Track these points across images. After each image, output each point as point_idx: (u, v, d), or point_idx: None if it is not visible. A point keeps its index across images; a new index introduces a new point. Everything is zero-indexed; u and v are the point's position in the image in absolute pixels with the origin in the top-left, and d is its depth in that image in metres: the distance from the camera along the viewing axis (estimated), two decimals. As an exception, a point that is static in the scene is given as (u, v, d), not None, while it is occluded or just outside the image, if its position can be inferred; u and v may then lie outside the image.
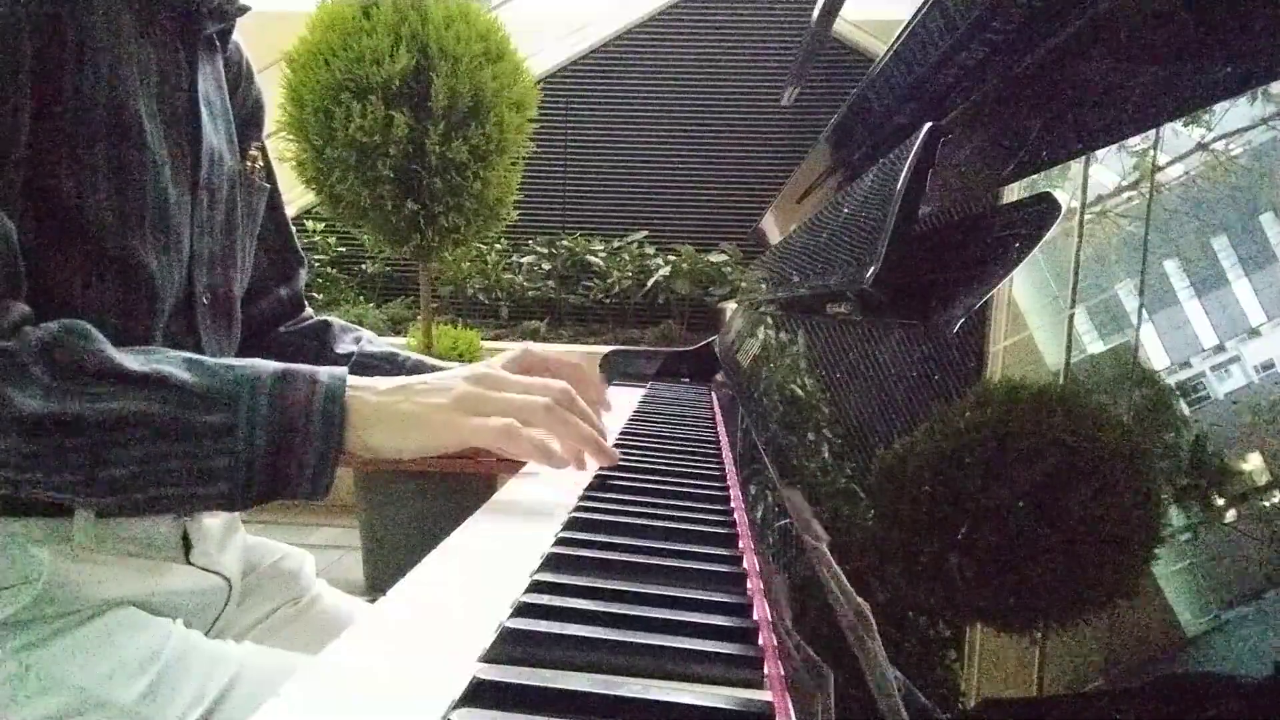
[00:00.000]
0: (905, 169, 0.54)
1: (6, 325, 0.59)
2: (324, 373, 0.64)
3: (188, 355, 0.63)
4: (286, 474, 0.61)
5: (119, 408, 0.58)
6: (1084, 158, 0.38)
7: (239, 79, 0.91)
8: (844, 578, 0.36)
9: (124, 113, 0.67)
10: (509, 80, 2.37)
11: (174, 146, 0.74)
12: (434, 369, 0.99)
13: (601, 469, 0.72)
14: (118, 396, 0.59)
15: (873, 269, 0.51)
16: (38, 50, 0.62)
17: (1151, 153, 0.32)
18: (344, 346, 1.01)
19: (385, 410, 0.64)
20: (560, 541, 0.55)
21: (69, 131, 0.64)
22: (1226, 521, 0.23)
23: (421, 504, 2.38)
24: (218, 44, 0.83)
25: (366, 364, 0.99)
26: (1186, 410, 0.25)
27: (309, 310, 1.06)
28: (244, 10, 0.84)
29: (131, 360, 0.61)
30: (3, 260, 0.61)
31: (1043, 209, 0.41)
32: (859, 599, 0.34)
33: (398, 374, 0.98)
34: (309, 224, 3.92)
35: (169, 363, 0.61)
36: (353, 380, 0.65)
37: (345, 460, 0.63)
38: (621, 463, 0.77)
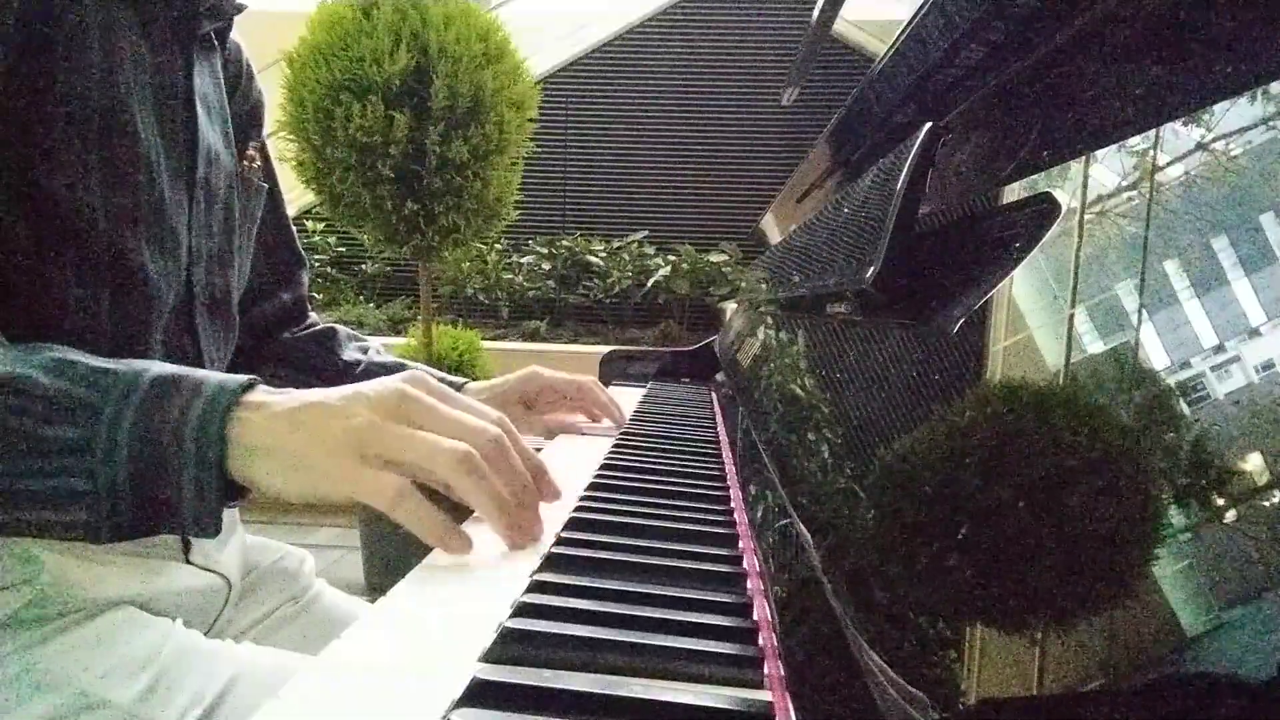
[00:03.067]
0: (905, 169, 0.54)
1: None
2: (213, 383, 0.53)
3: (67, 356, 0.54)
4: (160, 505, 0.51)
5: None
6: (1084, 158, 0.38)
7: (239, 79, 0.91)
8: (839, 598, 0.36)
9: (116, 110, 0.67)
10: (509, 80, 2.37)
11: (169, 145, 0.73)
12: (440, 380, 1.00)
13: (602, 468, 0.72)
14: None
15: (873, 269, 0.51)
16: (25, 48, 0.62)
17: (1151, 153, 0.32)
18: (350, 354, 1.01)
19: (274, 439, 0.52)
20: (560, 541, 0.55)
21: (60, 129, 0.64)
22: (1226, 521, 0.23)
23: (421, 504, 2.37)
24: (215, 43, 0.83)
25: (375, 372, 0.99)
26: (1186, 410, 0.25)
27: (314, 316, 1.06)
28: (240, 9, 0.84)
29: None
30: None
31: (1043, 209, 0.41)
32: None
33: None
34: (309, 224, 3.92)
35: (35, 365, 0.52)
36: (257, 396, 0.54)
37: (243, 494, 0.54)
38: (622, 462, 0.77)
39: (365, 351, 1.03)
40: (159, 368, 0.54)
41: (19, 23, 0.61)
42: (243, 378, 0.55)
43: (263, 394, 0.54)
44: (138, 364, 0.54)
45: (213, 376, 0.54)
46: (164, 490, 0.51)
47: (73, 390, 0.51)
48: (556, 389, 1.01)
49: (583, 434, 1.00)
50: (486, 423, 0.55)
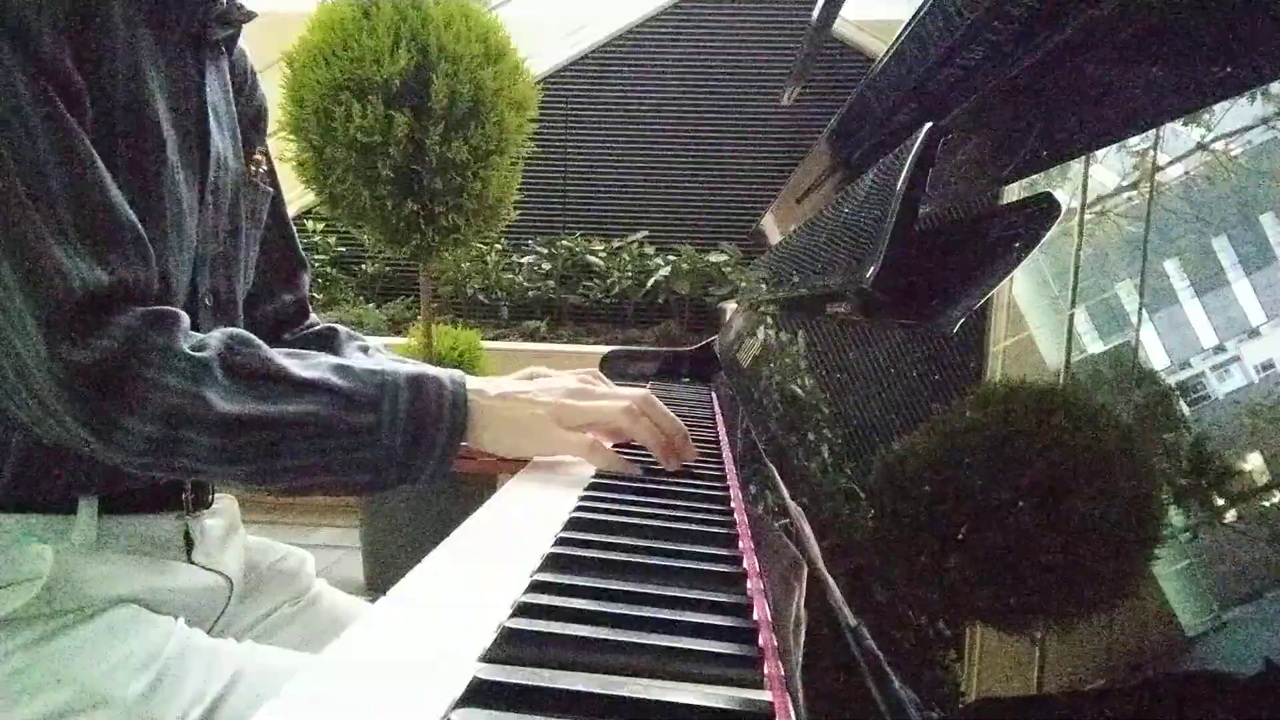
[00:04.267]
0: (905, 169, 0.54)
1: (189, 333, 0.66)
2: (446, 377, 0.71)
3: (337, 360, 0.70)
4: (416, 465, 0.68)
5: (290, 409, 0.65)
6: (1084, 158, 0.38)
7: (244, 84, 0.91)
8: (786, 494, 0.36)
9: (143, 117, 0.68)
10: (509, 80, 2.37)
11: (184, 150, 0.74)
12: None
13: (602, 470, 0.72)
14: (288, 399, 0.66)
15: (873, 269, 0.51)
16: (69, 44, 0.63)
17: (1151, 153, 0.32)
18: (351, 354, 1.01)
19: (496, 415, 0.71)
20: (560, 541, 0.55)
21: (91, 135, 0.64)
22: (1226, 521, 0.23)
23: (421, 504, 2.38)
24: (224, 50, 0.84)
25: None
26: (1186, 410, 0.25)
27: (314, 316, 1.06)
28: (250, 16, 0.85)
29: (294, 365, 0.68)
30: (151, 261, 0.66)
31: (1043, 209, 0.41)
32: (794, 503, 0.34)
33: None
34: (309, 224, 3.91)
35: (325, 369, 0.69)
36: (472, 384, 0.71)
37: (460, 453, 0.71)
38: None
39: (366, 351, 1.03)
40: (403, 367, 0.71)
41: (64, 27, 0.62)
42: (458, 373, 0.72)
43: (474, 382, 0.72)
44: (382, 363, 0.72)
45: (441, 372, 0.71)
46: (423, 454, 0.68)
47: (360, 388, 0.67)
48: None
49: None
50: (634, 393, 0.74)
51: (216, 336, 0.66)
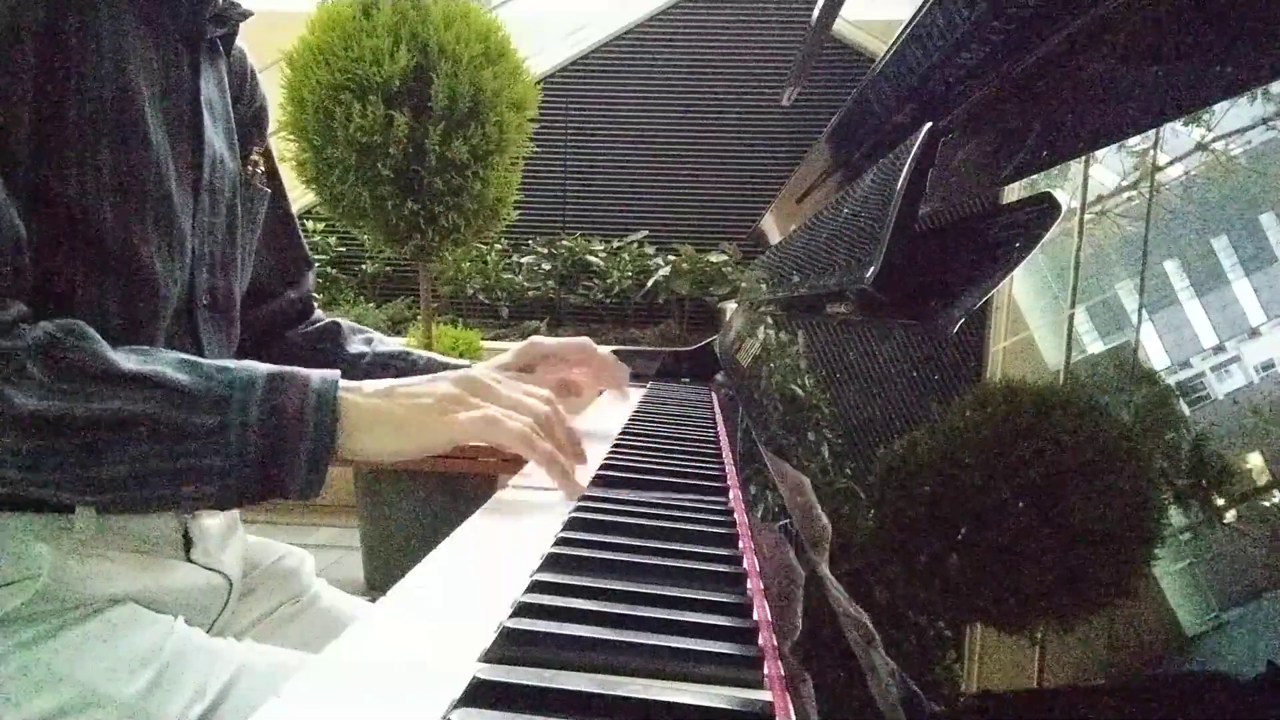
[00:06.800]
0: (905, 169, 0.54)
1: (4, 323, 0.59)
2: (315, 377, 0.64)
3: (183, 356, 0.63)
4: (278, 475, 0.62)
5: (113, 408, 0.59)
6: (1084, 158, 0.38)
7: (243, 84, 0.91)
8: (843, 593, 0.36)
9: (128, 114, 0.68)
10: (509, 80, 2.38)
11: (177, 149, 0.74)
12: (445, 365, 1.00)
13: (602, 469, 0.72)
14: (112, 397, 0.59)
15: (873, 269, 0.51)
16: (41, 53, 0.62)
17: (1151, 153, 0.32)
18: (356, 347, 1.02)
19: (372, 414, 0.64)
20: (560, 541, 0.55)
21: (73, 131, 0.64)
22: (1226, 521, 0.23)
23: (421, 504, 2.38)
24: (220, 48, 0.84)
25: (381, 363, 1.00)
26: (1186, 410, 0.25)
27: (319, 313, 1.06)
28: (246, 15, 0.85)
29: (127, 360, 0.61)
30: (6, 258, 0.61)
31: (1043, 209, 0.41)
32: (858, 610, 0.34)
33: (410, 372, 0.99)
34: (309, 224, 3.92)
35: (164, 363, 0.62)
36: (342, 383, 0.65)
37: (334, 462, 0.64)
38: (621, 462, 0.77)
39: (369, 343, 1.03)
40: (264, 365, 0.64)
41: (33, 28, 0.61)
42: (332, 372, 0.66)
43: (351, 382, 0.66)
44: (243, 363, 0.64)
45: (311, 371, 0.65)
46: (285, 462, 0.61)
47: (203, 384, 0.61)
48: (558, 355, 1.01)
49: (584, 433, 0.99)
50: (538, 401, 0.68)
51: (41, 328, 0.60)
